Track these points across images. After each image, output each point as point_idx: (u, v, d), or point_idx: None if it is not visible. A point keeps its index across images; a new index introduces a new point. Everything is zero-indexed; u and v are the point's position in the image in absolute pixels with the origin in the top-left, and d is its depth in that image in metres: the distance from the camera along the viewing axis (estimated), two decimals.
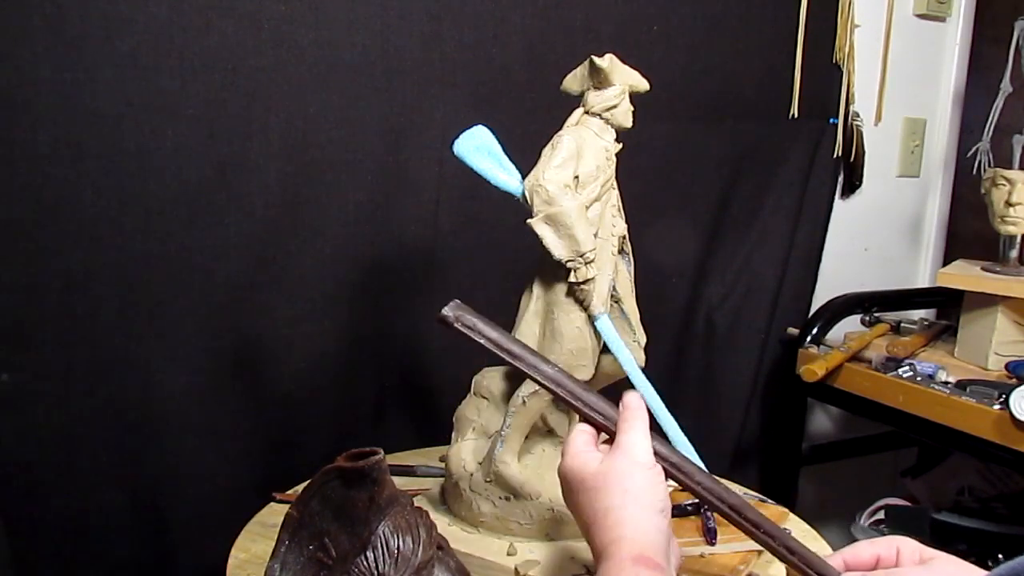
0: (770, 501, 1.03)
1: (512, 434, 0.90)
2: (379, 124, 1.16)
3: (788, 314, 1.59)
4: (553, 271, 0.85)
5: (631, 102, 0.89)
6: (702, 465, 0.72)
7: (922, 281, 1.87)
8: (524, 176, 0.85)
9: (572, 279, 0.84)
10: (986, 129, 1.55)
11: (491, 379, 0.99)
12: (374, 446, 0.72)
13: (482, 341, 0.70)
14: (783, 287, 1.58)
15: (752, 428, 1.60)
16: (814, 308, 1.61)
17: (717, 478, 0.72)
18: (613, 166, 0.88)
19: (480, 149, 0.85)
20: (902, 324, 1.60)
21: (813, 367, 1.38)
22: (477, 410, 0.98)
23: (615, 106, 0.87)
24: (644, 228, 0.99)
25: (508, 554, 0.86)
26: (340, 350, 1.19)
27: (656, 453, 0.66)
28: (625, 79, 0.88)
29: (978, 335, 1.42)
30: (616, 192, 0.90)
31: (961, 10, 1.80)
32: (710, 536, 0.89)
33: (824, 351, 1.46)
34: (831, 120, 1.62)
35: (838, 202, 1.69)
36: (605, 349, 0.89)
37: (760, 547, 0.86)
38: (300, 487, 0.83)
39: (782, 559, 0.67)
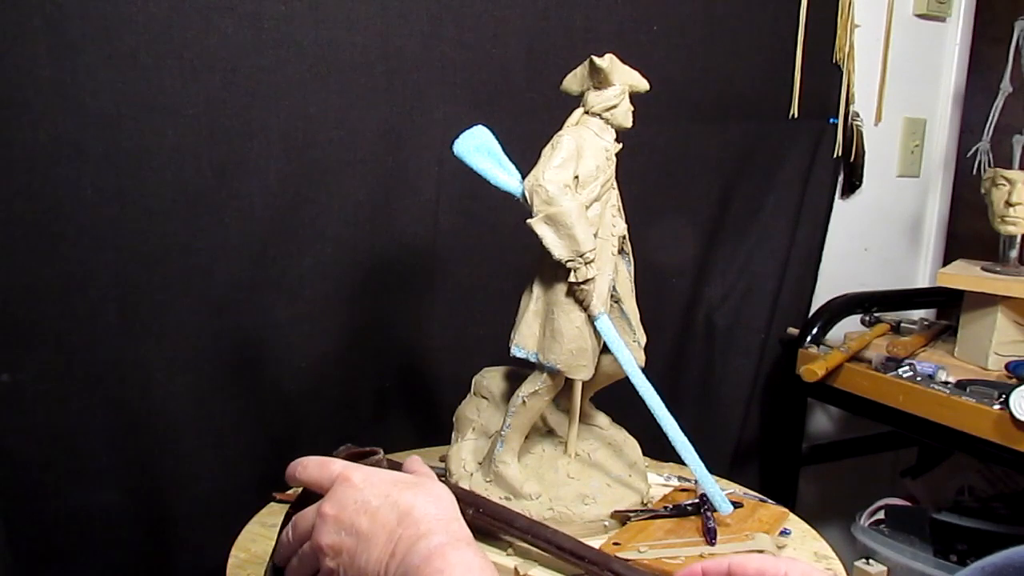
0: (770, 501, 1.03)
1: (512, 434, 0.90)
2: (379, 124, 1.16)
3: (788, 314, 1.60)
4: (553, 271, 0.85)
5: (631, 102, 0.89)
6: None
7: (922, 281, 1.87)
8: (524, 176, 0.85)
9: (572, 279, 0.84)
10: (986, 129, 1.55)
11: (491, 379, 1.00)
12: (374, 446, 0.72)
13: None
14: (783, 287, 1.59)
15: (752, 428, 1.60)
16: (814, 308, 1.61)
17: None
18: (613, 166, 0.88)
19: (480, 149, 0.85)
20: (902, 324, 1.60)
21: (813, 367, 1.38)
22: (477, 410, 0.98)
23: (615, 106, 0.87)
24: (644, 228, 0.99)
25: (508, 554, 0.86)
26: (340, 350, 1.19)
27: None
28: (625, 79, 0.88)
29: (978, 335, 1.42)
30: (616, 192, 0.90)
31: (961, 10, 1.80)
32: (710, 536, 0.88)
33: (824, 351, 1.46)
34: (831, 120, 1.62)
35: (838, 202, 1.69)
36: (605, 349, 0.88)
37: (759, 548, 0.86)
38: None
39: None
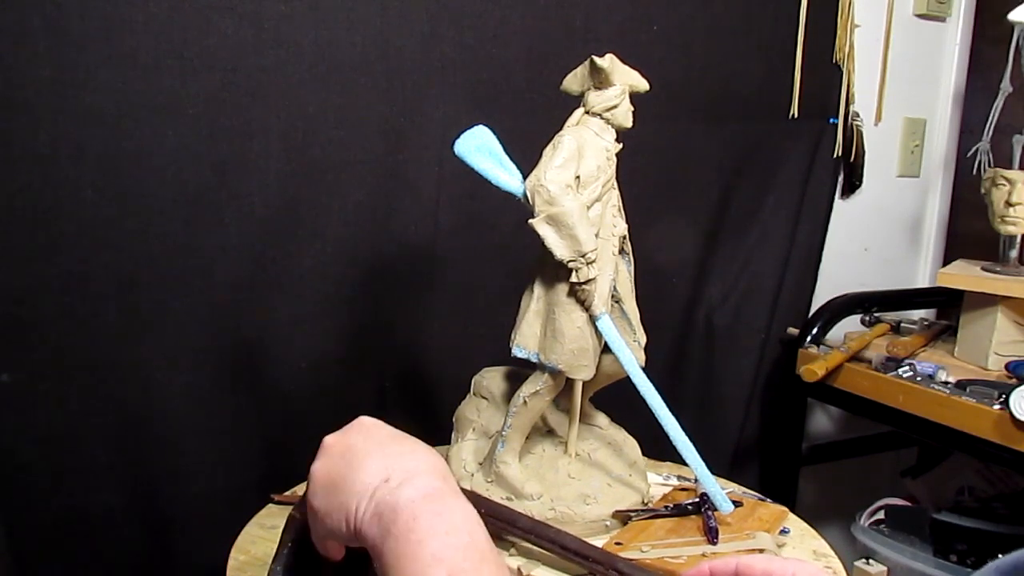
0: (770, 501, 1.03)
1: (513, 434, 0.90)
2: (379, 124, 1.16)
3: (788, 314, 1.60)
4: (554, 271, 0.85)
5: (631, 102, 0.89)
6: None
7: (922, 281, 1.87)
8: (525, 176, 0.84)
9: (573, 279, 0.84)
10: (986, 129, 1.55)
11: (491, 379, 1.00)
12: None
13: None
14: (783, 287, 1.59)
15: (752, 428, 1.60)
16: (814, 308, 1.61)
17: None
18: (613, 166, 0.88)
19: (481, 149, 0.85)
20: (902, 324, 1.60)
21: (813, 367, 1.38)
22: (477, 410, 0.98)
23: (615, 106, 0.87)
24: (644, 228, 0.99)
25: (511, 554, 0.86)
26: (340, 350, 1.19)
27: None
28: (625, 79, 0.88)
29: (978, 335, 1.42)
30: (616, 192, 0.90)
31: (961, 10, 1.80)
32: (712, 535, 0.88)
33: (824, 351, 1.46)
34: (831, 120, 1.62)
35: (838, 202, 1.69)
36: (606, 349, 0.88)
37: (760, 547, 0.86)
38: (300, 488, 0.83)
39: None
